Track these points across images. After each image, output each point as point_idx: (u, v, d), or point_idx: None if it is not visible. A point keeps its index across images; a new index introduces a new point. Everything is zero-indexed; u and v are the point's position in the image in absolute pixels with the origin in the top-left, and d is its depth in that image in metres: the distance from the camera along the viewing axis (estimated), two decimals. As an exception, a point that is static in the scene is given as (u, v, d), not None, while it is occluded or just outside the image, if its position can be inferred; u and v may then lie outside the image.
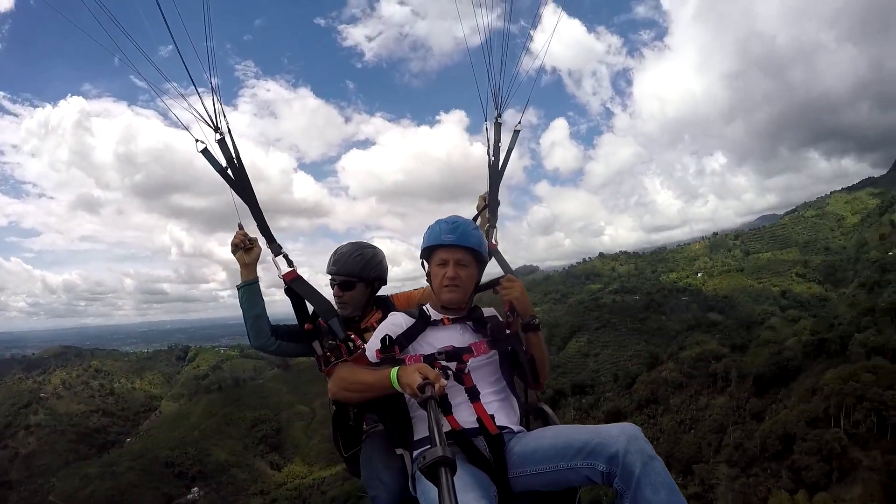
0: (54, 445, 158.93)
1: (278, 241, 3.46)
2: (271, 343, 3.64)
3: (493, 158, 4.03)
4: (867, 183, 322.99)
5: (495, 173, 4.02)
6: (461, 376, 2.88)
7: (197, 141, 3.37)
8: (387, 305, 3.89)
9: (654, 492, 2.31)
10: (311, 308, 3.43)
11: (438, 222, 3.21)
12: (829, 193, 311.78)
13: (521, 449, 2.74)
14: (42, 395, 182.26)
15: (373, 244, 3.99)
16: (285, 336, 3.69)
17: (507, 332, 3.16)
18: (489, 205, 3.97)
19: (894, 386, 58.12)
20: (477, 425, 2.78)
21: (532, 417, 3.23)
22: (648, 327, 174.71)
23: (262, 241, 3.50)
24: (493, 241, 3.81)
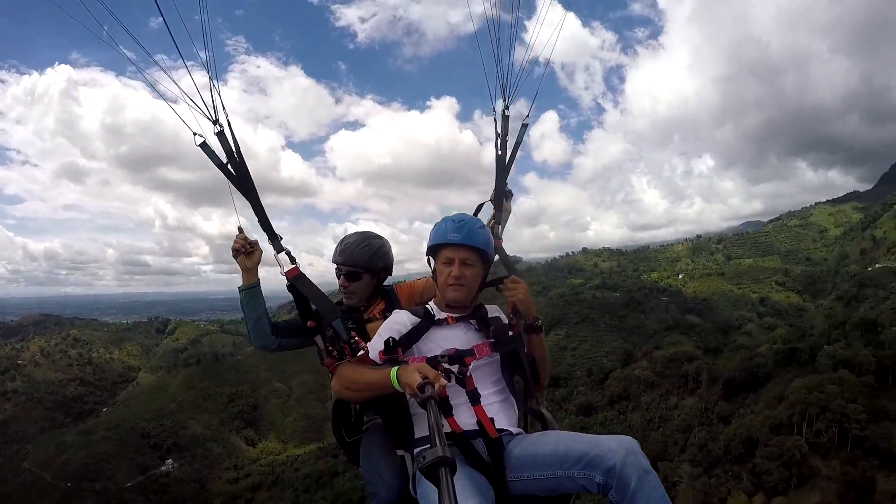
0: (30, 413, 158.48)
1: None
2: (273, 343, 3.70)
3: (499, 152, 3.97)
4: (852, 197, 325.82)
5: (501, 167, 3.96)
6: (463, 379, 2.91)
7: (195, 134, 3.32)
8: (390, 296, 3.94)
9: None
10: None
11: (445, 220, 3.23)
12: (813, 204, 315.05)
13: (520, 452, 2.81)
14: (20, 361, 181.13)
15: (379, 234, 4.00)
16: (284, 333, 3.74)
17: (510, 333, 3.20)
18: (495, 200, 3.93)
19: (858, 399, 59.55)
20: (477, 428, 2.84)
21: (530, 419, 3.30)
22: (627, 325, 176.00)
23: (263, 239, 3.54)
24: (499, 238, 3.79)
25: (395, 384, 2.64)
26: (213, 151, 3.35)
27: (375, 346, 3.09)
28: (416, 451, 2.94)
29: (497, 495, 2.71)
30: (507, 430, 2.93)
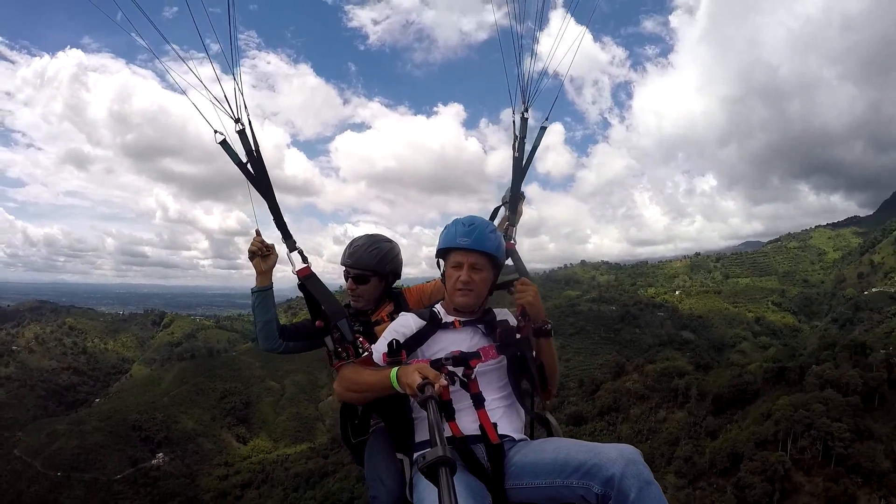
0: (23, 399, 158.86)
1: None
2: (279, 345, 3.70)
3: (517, 154, 3.94)
4: (852, 221, 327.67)
5: (518, 169, 3.95)
6: (467, 383, 2.84)
7: (216, 132, 3.34)
8: (399, 299, 3.89)
9: None
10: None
11: (455, 223, 3.16)
12: (813, 227, 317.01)
13: (520, 460, 2.72)
14: (14, 347, 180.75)
15: (388, 237, 3.97)
16: (292, 336, 3.75)
17: (518, 336, 3.12)
18: (510, 202, 3.91)
19: (843, 418, 60.08)
20: (479, 433, 2.78)
21: (536, 426, 3.25)
22: (622, 338, 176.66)
23: (277, 239, 3.57)
24: (512, 241, 3.76)
25: (396, 385, 2.59)
26: (233, 149, 3.39)
27: (379, 349, 3.05)
28: (415, 455, 2.92)
29: (495, 502, 2.66)
30: (509, 437, 2.88)
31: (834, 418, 60.40)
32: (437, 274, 3.37)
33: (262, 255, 3.59)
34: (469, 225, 3.09)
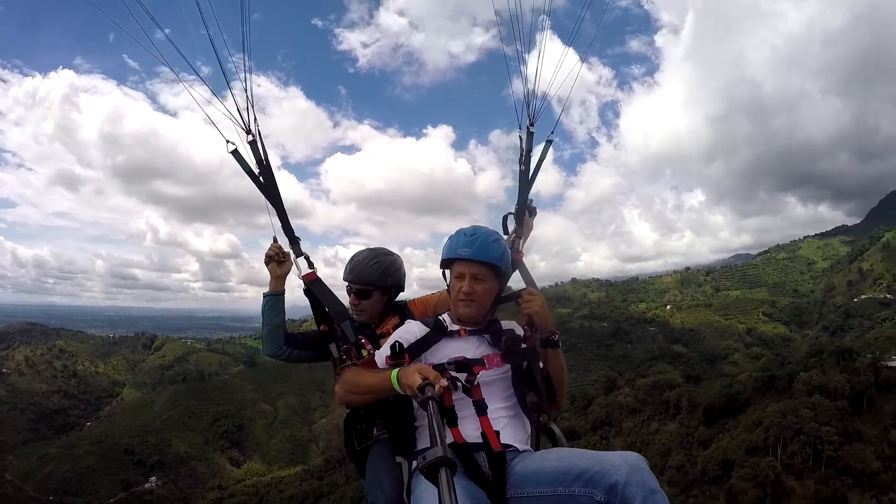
0: (13, 423, 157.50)
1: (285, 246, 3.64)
2: (284, 351, 3.72)
3: (523, 168, 3.95)
4: (840, 231, 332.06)
5: (524, 183, 3.94)
6: (470, 389, 2.84)
7: (228, 142, 3.40)
8: (404, 311, 3.87)
9: None
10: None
11: (458, 233, 3.14)
12: (802, 238, 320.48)
13: (522, 469, 2.66)
14: (4, 370, 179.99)
15: (391, 250, 3.96)
16: (297, 344, 3.77)
17: (523, 346, 3.10)
18: (516, 214, 3.91)
19: (831, 422, 60.84)
20: (481, 440, 2.74)
21: (543, 437, 3.24)
22: (613, 354, 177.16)
23: (284, 244, 3.66)
24: (519, 252, 3.76)
25: (396, 386, 2.59)
26: (244, 159, 3.45)
27: (382, 353, 3.03)
28: (415, 458, 2.90)
29: None
30: (513, 447, 2.82)
31: (822, 422, 61.09)
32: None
33: (277, 260, 3.66)
34: (471, 235, 3.09)
